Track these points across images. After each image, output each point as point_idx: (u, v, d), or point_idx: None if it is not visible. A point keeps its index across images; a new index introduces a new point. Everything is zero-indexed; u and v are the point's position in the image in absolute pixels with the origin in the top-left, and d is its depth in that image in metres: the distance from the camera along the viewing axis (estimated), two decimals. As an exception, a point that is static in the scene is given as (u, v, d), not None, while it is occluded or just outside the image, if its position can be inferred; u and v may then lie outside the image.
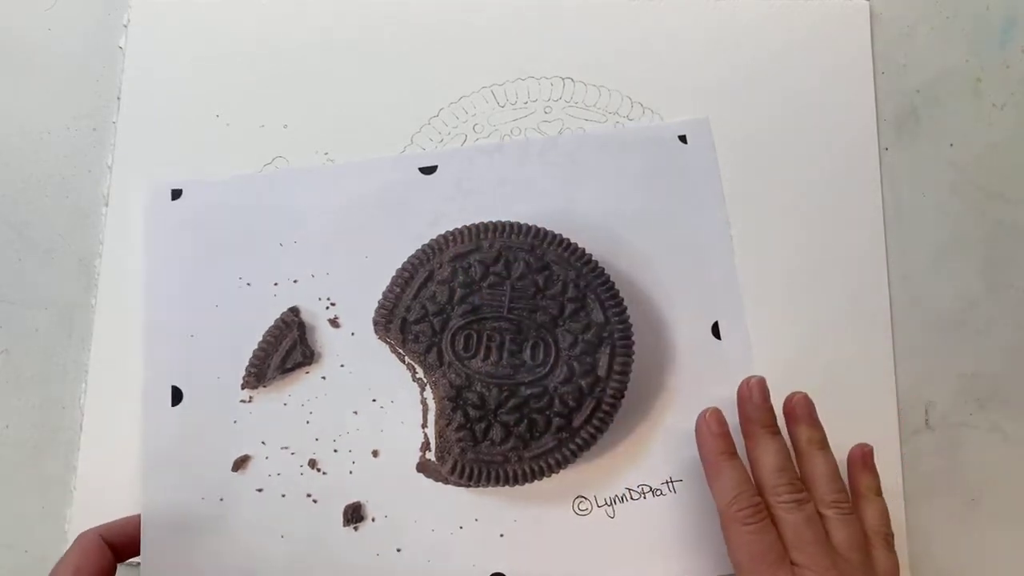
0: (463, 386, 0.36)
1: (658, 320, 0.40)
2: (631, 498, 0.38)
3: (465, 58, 0.44)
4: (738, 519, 0.35)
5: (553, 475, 0.36)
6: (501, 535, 0.38)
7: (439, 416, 0.36)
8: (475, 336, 0.36)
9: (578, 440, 0.36)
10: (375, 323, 0.37)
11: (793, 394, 0.38)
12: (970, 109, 0.44)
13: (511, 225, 0.38)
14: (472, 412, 0.36)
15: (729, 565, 0.36)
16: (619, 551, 0.38)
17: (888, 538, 0.37)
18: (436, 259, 0.37)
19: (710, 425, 0.37)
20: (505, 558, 0.37)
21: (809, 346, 0.41)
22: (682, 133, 0.42)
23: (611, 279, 0.38)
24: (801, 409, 0.38)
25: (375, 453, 0.38)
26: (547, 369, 0.36)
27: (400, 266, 0.38)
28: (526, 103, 0.43)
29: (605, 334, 0.37)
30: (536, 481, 0.36)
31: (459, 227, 0.38)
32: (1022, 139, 0.44)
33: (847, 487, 0.37)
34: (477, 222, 0.38)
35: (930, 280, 0.42)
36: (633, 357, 0.37)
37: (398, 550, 0.37)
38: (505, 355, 0.36)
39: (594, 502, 0.38)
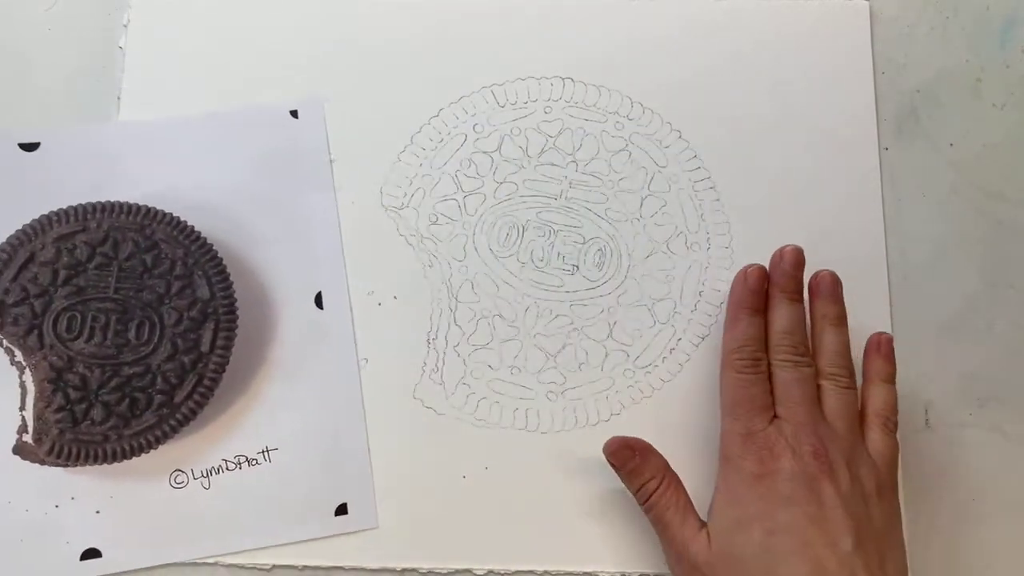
0: (64, 368, 0.36)
1: (263, 294, 0.41)
2: (227, 469, 0.39)
3: (465, 58, 0.44)
4: (734, 366, 0.37)
5: (152, 451, 0.37)
6: (97, 512, 0.38)
7: (38, 399, 0.36)
8: (79, 317, 0.37)
9: (178, 416, 0.37)
10: None
11: (820, 270, 0.39)
12: (970, 109, 0.44)
13: (120, 205, 0.38)
14: (73, 393, 0.36)
15: (318, 530, 0.38)
16: (212, 521, 0.38)
17: (889, 423, 0.37)
18: (39, 240, 0.37)
19: (748, 277, 0.38)
20: (100, 534, 0.38)
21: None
22: (293, 108, 0.43)
23: (219, 256, 0.39)
24: (824, 285, 0.39)
25: None
26: (151, 347, 0.37)
27: None
28: (526, 103, 0.43)
29: (210, 310, 0.38)
30: (135, 457, 0.37)
31: (64, 207, 0.38)
32: (1022, 139, 0.44)
33: (853, 367, 0.38)
34: (84, 202, 0.38)
35: (930, 280, 0.42)
36: (236, 332, 0.38)
37: None
38: (110, 335, 0.36)
39: (190, 475, 0.39)
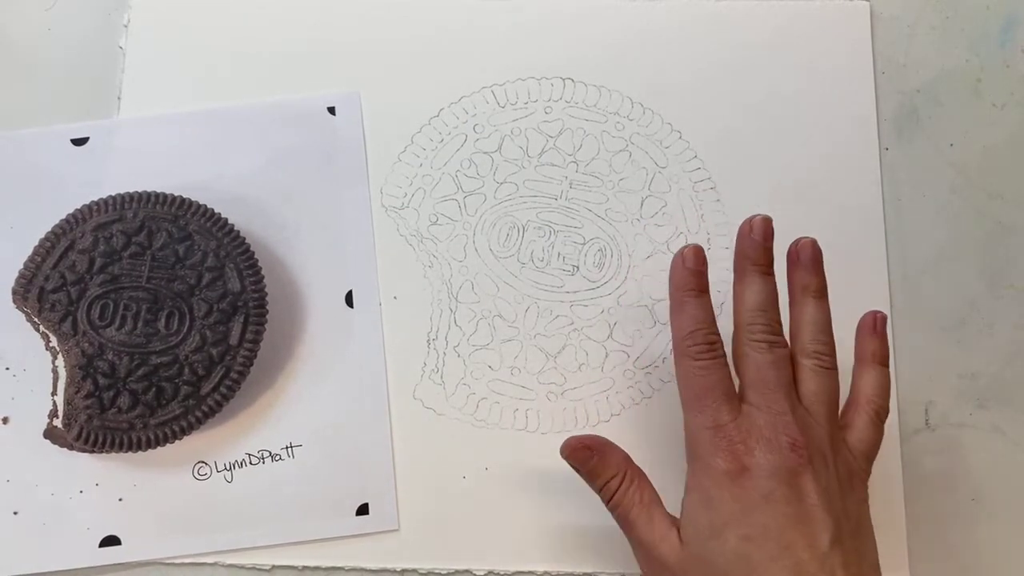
0: (95, 355, 0.37)
1: (294, 290, 0.41)
2: (250, 463, 0.39)
3: (465, 58, 0.44)
4: (689, 354, 0.33)
5: (177, 441, 0.37)
6: (120, 499, 0.39)
7: (69, 384, 0.37)
8: (112, 305, 0.37)
9: (204, 407, 0.37)
10: (13, 292, 0.37)
11: (800, 238, 0.35)
12: (970, 109, 0.44)
13: (155, 195, 0.39)
14: (102, 380, 0.36)
15: (339, 529, 0.38)
16: (233, 514, 0.39)
17: (880, 411, 0.35)
18: (79, 229, 0.38)
19: (686, 259, 0.34)
20: (121, 522, 0.38)
21: (809, 346, 0.41)
22: (331, 105, 0.43)
23: (251, 249, 0.39)
24: (805, 253, 0.35)
25: (5, 420, 0.39)
26: (180, 338, 0.37)
27: (43, 236, 0.38)
28: (526, 103, 0.43)
29: (240, 303, 0.38)
30: (160, 447, 0.37)
31: (103, 197, 0.39)
32: (1022, 139, 0.44)
33: (834, 343, 0.35)
34: (122, 192, 0.39)
35: (930, 280, 0.42)
36: (265, 326, 0.38)
37: (15, 513, 0.38)
38: (140, 324, 0.37)
39: (214, 467, 0.39)
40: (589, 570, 0.39)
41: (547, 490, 0.39)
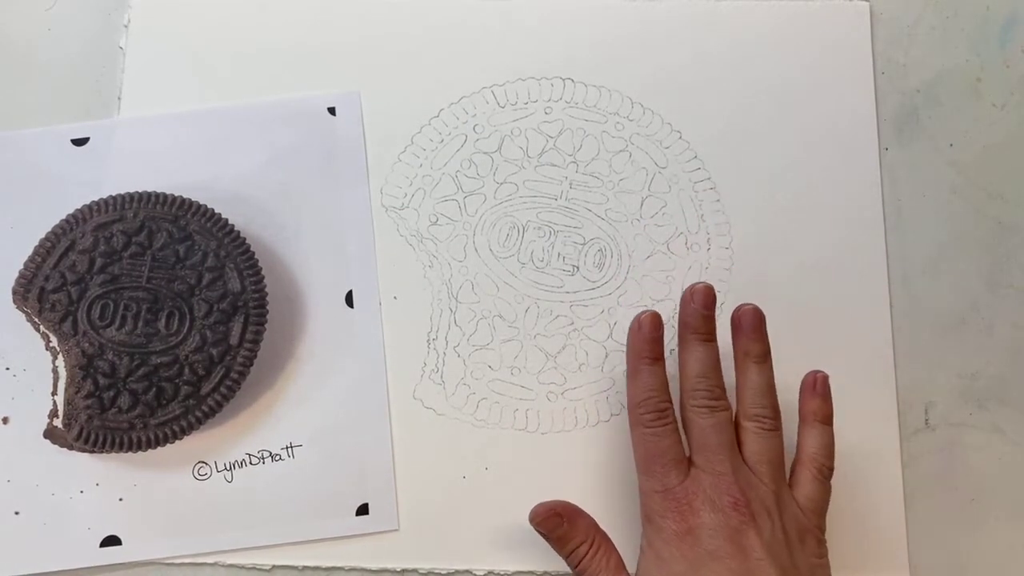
0: (95, 355, 0.37)
1: (294, 290, 0.41)
2: (250, 463, 0.39)
3: (465, 58, 0.44)
4: (642, 421, 0.35)
5: (177, 441, 0.37)
6: (120, 499, 0.39)
7: (69, 384, 0.37)
8: (112, 305, 0.37)
9: (204, 408, 0.37)
10: (14, 292, 0.38)
11: (741, 305, 0.37)
12: (970, 109, 0.44)
13: (155, 195, 0.39)
14: (102, 380, 0.36)
15: (339, 529, 0.38)
16: (233, 514, 0.39)
17: (824, 469, 0.36)
18: (79, 229, 0.38)
19: (642, 326, 0.36)
20: (122, 522, 0.38)
21: (808, 346, 0.41)
22: (332, 105, 0.43)
23: (251, 249, 0.39)
24: (746, 320, 0.37)
25: (5, 420, 0.39)
26: (180, 338, 0.37)
27: (43, 236, 0.38)
28: (526, 103, 0.43)
29: (240, 303, 0.38)
30: (160, 447, 0.37)
31: (103, 197, 0.39)
32: (1022, 139, 0.44)
33: (778, 407, 0.36)
34: (123, 192, 0.39)
35: (930, 280, 0.42)
36: (265, 326, 0.38)
37: (16, 513, 0.38)
38: (140, 324, 0.37)
39: (214, 467, 0.39)
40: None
41: (547, 490, 0.39)
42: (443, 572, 0.39)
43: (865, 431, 0.40)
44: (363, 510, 0.39)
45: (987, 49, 0.45)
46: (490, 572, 0.39)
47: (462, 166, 0.43)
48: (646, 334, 0.36)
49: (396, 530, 0.39)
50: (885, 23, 0.45)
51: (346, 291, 0.41)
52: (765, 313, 0.38)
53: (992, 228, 0.43)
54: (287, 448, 0.39)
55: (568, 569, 0.38)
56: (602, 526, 0.37)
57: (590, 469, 0.40)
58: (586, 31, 0.44)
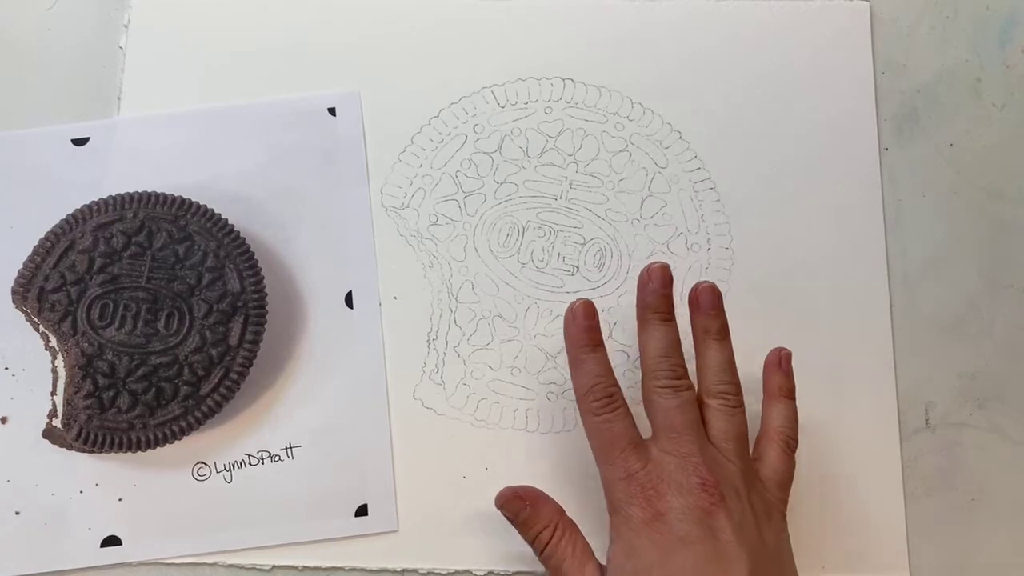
0: (94, 355, 0.37)
1: (294, 290, 0.41)
2: (250, 463, 0.39)
3: (465, 58, 0.44)
4: (591, 410, 0.35)
5: (176, 441, 0.37)
6: (120, 499, 0.39)
7: (68, 384, 0.37)
8: (112, 305, 0.37)
9: (204, 408, 0.37)
10: (13, 292, 0.37)
11: (699, 283, 0.36)
12: (970, 109, 0.44)
13: (155, 195, 0.39)
14: (102, 380, 0.36)
15: (338, 530, 0.38)
16: (233, 515, 0.39)
17: (789, 441, 0.36)
18: (78, 229, 0.38)
19: (576, 316, 0.35)
20: (122, 522, 0.38)
21: (809, 346, 0.41)
22: (332, 105, 0.43)
23: (251, 249, 0.39)
24: (704, 298, 0.36)
25: (4, 420, 0.39)
26: (179, 338, 0.37)
27: (43, 236, 0.38)
28: (526, 104, 0.43)
29: (240, 303, 0.38)
30: (159, 447, 0.37)
31: (103, 197, 0.39)
32: (1022, 139, 0.44)
33: (740, 383, 0.36)
34: (123, 192, 0.39)
35: (930, 280, 0.42)
36: (265, 326, 0.38)
37: (16, 513, 0.38)
38: (140, 324, 0.37)
39: (213, 468, 0.39)
40: (589, 570, 0.39)
41: (547, 490, 0.39)
42: (443, 572, 0.39)
43: (865, 431, 0.40)
44: (362, 511, 0.39)
45: (987, 49, 0.45)
46: (490, 572, 0.39)
47: (462, 166, 0.43)
48: (580, 322, 0.35)
49: (395, 531, 0.39)
50: (885, 23, 0.45)
51: (346, 291, 0.41)
52: (765, 313, 0.38)
53: (992, 228, 0.43)
54: (286, 449, 0.39)
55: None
56: (605, 527, 0.36)
57: (590, 469, 0.40)
58: (586, 31, 0.44)
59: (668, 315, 0.36)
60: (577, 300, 0.36)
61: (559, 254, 0.42)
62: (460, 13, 0.44)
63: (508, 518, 0.35)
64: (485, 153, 0.43)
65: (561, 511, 0.36)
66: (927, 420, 0.41)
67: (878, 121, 0.44)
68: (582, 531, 0.36)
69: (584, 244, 0.42)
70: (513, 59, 0.44)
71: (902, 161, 0.44)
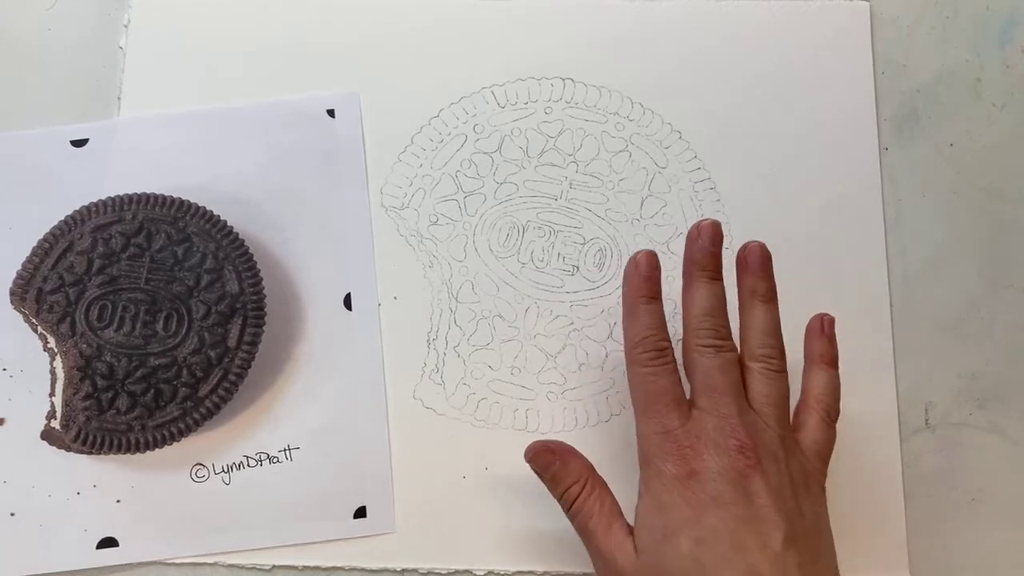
0: (93, 356, 0.37)
1: (293, 292, 0.41)
2: (248, 465, 0.39)
3: (465, 58, 0.44)
4: (639, 361, 0.34)
5: (175, 443, 0.37)
6: (118, 501, 0.39)
7: (67, 385, 0.37)
8: (110, 307, 0.37)
9: (202, 409, 0.37)
10: (11, 293, 0.37)
11: (748, 242, 0.35)
12: (970, 109, 0.44)
13: (154, 197, 0.39)
14: (100, 382, 0.36)
15: (336, 532, 0.38)
16: (231, 517, 0.39)
17: (830, 411, 0.35)
18: (77, 230, 0.38)
19: (639, 265, 0.34)
20: (119, 523, 0.38)
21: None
22: (330, 107, 0.42)
23: (250, 251, 0.39)
24: (753, 258, 0.35)
25: (1, 421, 0.39)
26: (178, 340, 0.37)
27: (41, 237, 0.38)
28: (526, 104, 0.43)
29: (239, 305, 0.38)
30: (158, 449, 0.37)
31: (102, 198, 0.39)
32: (1022, 139, 0.44)
33: (784, 348, 0.35)
34: (121, 194, 0.39)
35: (930, 280, 0.42)
36: (264, 328, 0.38)
37: (12, 514, 0.38)
38: (139, 326, 0.37)
39: (211, 469, 0.39)
40: (589, 570, 0.39)
41: (547, 490, 0.39)
42: (443, 572, 0.39)
43: (865, 431, 0.40)
44: (360, 513, 0.39)
45: (987, 49, 0.45)
46: (490, 572, 0.39)
47: (462, 166, 0.43)
48: (643, 272, 0.34)
49: (393, 532, 0.39)
50: (885, 23, 0.45)
51: (344, 293, 0.41)
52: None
53: (992, 228, 0.43)
54: (285, 450, 0.39)
55: (569, 570, 0.38)
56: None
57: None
58: (586, 31, 0.44)
59: (716, 274, 0.35)
60: (641, 251, 0.35)
61: (559, 254, 0.42)
62: (460, 13, 0.44)
63: (537, 472, 0.35)
64: (485, 153, 0.43)
65: (591, 467, 0.35)
66: (927, 420, 0.41)
67: (878, 121, 0.44)
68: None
69: (584, 244, 0.42)
70: (513, 59, 0.44)
71: (902, 161, 0.44)
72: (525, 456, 0.35)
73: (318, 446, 0.39)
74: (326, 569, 0.39)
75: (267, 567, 0.38)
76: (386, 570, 0.39)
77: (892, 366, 0.41)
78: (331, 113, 0.43)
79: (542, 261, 0.42)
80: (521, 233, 0.42)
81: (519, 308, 0.41)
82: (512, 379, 0.41)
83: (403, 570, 0.39)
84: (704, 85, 0.44)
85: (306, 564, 0.39)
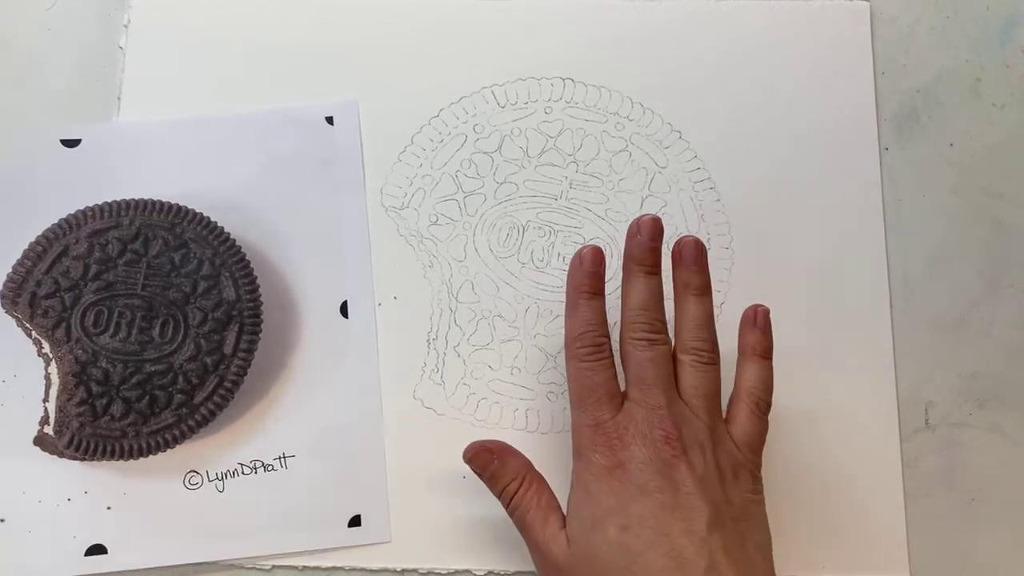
0: (88, 362, 0.36)
1: (289, 299, 0.41)
2: (242, 473, 0.39)
3: (465, 58, 0.44)
4: (577, 356, 0.35)
5: (169, 450, 0.37)
6: (108, 508, 0.38)
7: (62, 391, 0.36)
8: (107, 312, 0.37)
9: (197, 416, 0.37)
10: (2, 297, 0.37)
11: (683, 236, 0.36)
12: (970, 109, 0.44)
13: (152, 203, 0.39)
14: (95, 388, 0.36)
15: (330, 541, 0.38)
16: (224, 525, 0.38)
17: (761, 403, 0.35)
18: (73, 234, 0.38)
19: (583, 261, 0.35)
20: (108, 530, 0.38)
21: (809, 346, 0.41)
22: (329, 115, 0.42)
23: (247, 257, 0.39)
24: (687, 252, 0.36)
25: None
26: (174, 346, 0.37)
27: (33, 240, 0.38)
28: (526, 103, 0.43)
29: (235, 312, 0.38)
30: (151, 455, 0.37)
31: (99, 203, 0.38)
32: (1022, 139, 0.44)
33: (716, 341, 0.35)
34: (118, 199, 0.38)
35: (930, 280, 0.42)
36: (260, 335, 0.38)
37: (2, 520, 0.38)
38: (135, 332, 0.37)
39: (205, 476, 0.39)
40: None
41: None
42: (443, 571, 0.39)
43: (865, 431, 0.40)
44: (355, 521, 0.39)
45: (987, 49, 0.45)
46: (490, 572, 0.39)
47: (462, 166, 0.43)
48: (587, 268, 0.35)
49: (389, 542, 0.39)
50: (885, 23, 0.45)
51: (341, 301, 0.41)
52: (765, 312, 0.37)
53: (992, 228, 0.43)
54: (279, 458, 0.39)
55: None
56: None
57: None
58: (586, 31, 0.44)
59: (653, 268, 0.35)
60: (587, 246, 0.36)
61: (559, 254, 0.42)
62: (460, 13, 0.44)
63: (476, 472, 0.35)
64: (485, 153, 0.43)
65: (529, 464, 0.36)
66: (927, 420, 0.41)
67: (878, 121, 0.44)
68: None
69: (584, 244, 0.42)
70: (513, 59, 0.44)
71: (902, 161, 0.44)
72: (464, 457, 0.35)
73: (313, 454, 0.39)
74: (326, 569, 0.39)
75: (267, 567, 0.38)
76: (386, 570, 0.39)
77: (892, 366, 0.41)
78: (330, 120, 0.43)
79: (542, 261, 0.42)
80: (521, 233, 0.42)
81: (519, 308, 0.41)
82: (512, 379, 0.41)
83: (403, 569, 0.39)
84: (704, 85, 0.44)
85: (306, 564, 0.39)
